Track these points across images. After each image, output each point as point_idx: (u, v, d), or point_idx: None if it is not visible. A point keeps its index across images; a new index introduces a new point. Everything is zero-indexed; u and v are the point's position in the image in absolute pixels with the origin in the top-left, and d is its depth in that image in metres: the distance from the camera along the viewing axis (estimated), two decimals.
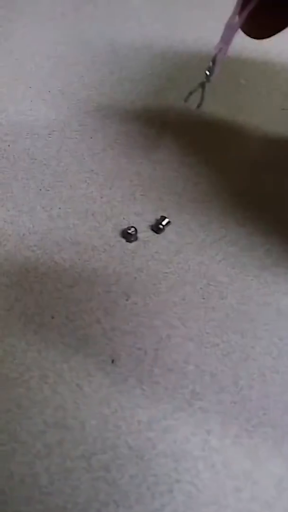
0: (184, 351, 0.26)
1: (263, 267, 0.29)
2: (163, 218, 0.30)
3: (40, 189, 0.32)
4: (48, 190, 0.32)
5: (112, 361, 0.25)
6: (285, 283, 0.28)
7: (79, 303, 0.27)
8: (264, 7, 0.25)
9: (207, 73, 0.26)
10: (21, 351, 0.25)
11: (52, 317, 0.26)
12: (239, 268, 0.29)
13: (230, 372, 0.25)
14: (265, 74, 0.40)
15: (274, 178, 0.33)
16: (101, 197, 0.32)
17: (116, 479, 0.22)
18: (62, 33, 0.44)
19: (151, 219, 0.31)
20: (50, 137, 0.35)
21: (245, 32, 0.26)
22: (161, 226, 0.30)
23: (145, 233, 0.30)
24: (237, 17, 0.25)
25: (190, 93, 0.28)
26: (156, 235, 0.30)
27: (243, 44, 0.29)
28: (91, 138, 0.35)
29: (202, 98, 0.27)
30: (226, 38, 0.25)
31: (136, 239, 0.30)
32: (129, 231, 0.29)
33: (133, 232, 0.29)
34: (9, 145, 0.34)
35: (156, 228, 0.30)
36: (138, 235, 0.30)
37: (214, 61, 0.25)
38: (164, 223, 0.30)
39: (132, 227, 0.29)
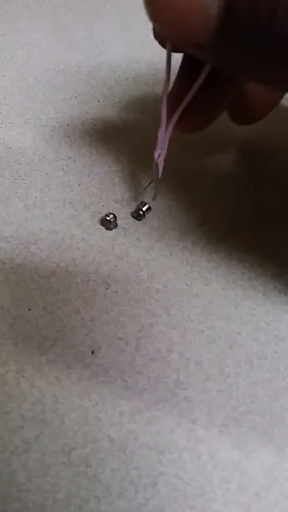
0: (167, 339, 0.25)
1: (247, 251, 0.28)
2: (144, 204, 0.29)
3: (16, 178, 0.31)
4: (24, 179, 0.31)
5: (92, 352, 0.24)
6: (271, 266, 0.27)
7: (57, 293, 0.26)
8: (194, 101, 0.23)
9: (154, 173, 0.28)
10: None
11: (29, 309, 0.25)
12: (223, 253, 0.28)
13: (216, 359, 0.24)
14: None
15: (258, 163, 0.33)
16: (79, 185, 0.31)
17: (97, 473, 0.21)
18: (37, 21, 0.43)
19: (131, 206, 0.30)
20: (25, 125, 0.34)
21: (182, 132, 0.26)
22: (141, 212, 0.29)
23: (125, 220, 0.29)
24: (168, 124, 0.24)
25: (145, 189, 0.30)
26: (137, 221, 0.29)
27: None
28: (68, 125, 0.34)
29: (156, 192, 0.29)
30: (162, 145, 0.26)
31: (115, 226, 0.29)
32: (108, 218, 0.28)
33: (112, 219, 0.28)
34: None
35: (137, 214, 0.29)
36: (118, 222, 0.29)
37: (156, 164, 0.27)
38: (144, 209, 0.29)
39: (111, 214, 0.28)
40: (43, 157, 0.32)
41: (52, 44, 0.41)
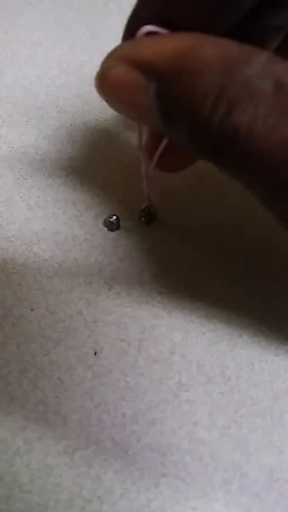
0: (169, 341, 0.25)
1: (249, 252, 0.28)
2: (148, 209, 0.29)
3: (18, 178, 0.31)
4: (26, 179, 0.31)
5: (95, 353, 0.24)
6: (271, 268, 0.27)
7: (60, 294, 0.26)
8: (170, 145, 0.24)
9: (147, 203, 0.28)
10: None
11: (32, 309, 0.25)
12: (226, 255, 0.28)
13: (217, 362, 0.24)
14: None
15: None
16: (82, 185, 0.31)
17: (99, 474, 0.21)
18: (39, 19, 0.43)
19: (134, 207, 0.30)
20: (27, 124, 0.34)
21: (165, 171, 0.26)
22: (144, 220, 0.29)
23: (127, 222, 0.29)
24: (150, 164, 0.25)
25: (141, 217, 0.29)
26: (139, 223, 0.29)
27: None
28: (71, 124, 0.34)
29: (153, 217, 0.29)
30: (148, 184, 0.27)
31: (118, 227, 0.29)
32: (111, 219, 0.28)
33: (115, 221, 0.28)
34: None
35: (146, 219, 0.29)
36: (121, 223, 0.29)
37: (148, 195, 0.28)
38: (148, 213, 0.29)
39: (114, 215, 0.28)
40: (46, 157, 0.32)
41: (55, 42, 0.40)
